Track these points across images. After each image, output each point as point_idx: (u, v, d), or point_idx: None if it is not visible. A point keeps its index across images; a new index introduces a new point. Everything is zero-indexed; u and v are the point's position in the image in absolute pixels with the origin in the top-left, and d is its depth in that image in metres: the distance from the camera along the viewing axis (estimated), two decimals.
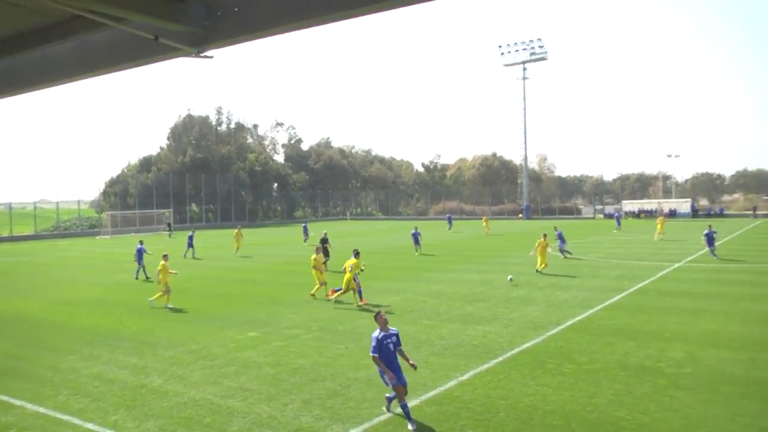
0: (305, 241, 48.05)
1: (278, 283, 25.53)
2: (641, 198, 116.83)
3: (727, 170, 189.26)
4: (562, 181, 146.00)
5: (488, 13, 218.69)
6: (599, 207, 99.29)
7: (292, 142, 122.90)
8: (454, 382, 11.45)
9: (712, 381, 11.11)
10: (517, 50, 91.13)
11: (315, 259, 21.69)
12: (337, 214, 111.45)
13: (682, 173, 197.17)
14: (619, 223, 56.36)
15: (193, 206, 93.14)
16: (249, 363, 13.19)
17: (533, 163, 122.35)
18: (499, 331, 15.62)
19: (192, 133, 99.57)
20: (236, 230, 40.80)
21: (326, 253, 29.31)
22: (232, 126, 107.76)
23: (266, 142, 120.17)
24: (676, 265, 28.05)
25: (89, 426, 9.78)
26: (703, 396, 10.33)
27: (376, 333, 9.68)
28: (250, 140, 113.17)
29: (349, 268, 19.95)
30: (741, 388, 10.67)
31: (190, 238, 39.71)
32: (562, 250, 32.75)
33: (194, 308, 20.21)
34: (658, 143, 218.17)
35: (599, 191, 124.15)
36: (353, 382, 11.61)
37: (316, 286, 21.19)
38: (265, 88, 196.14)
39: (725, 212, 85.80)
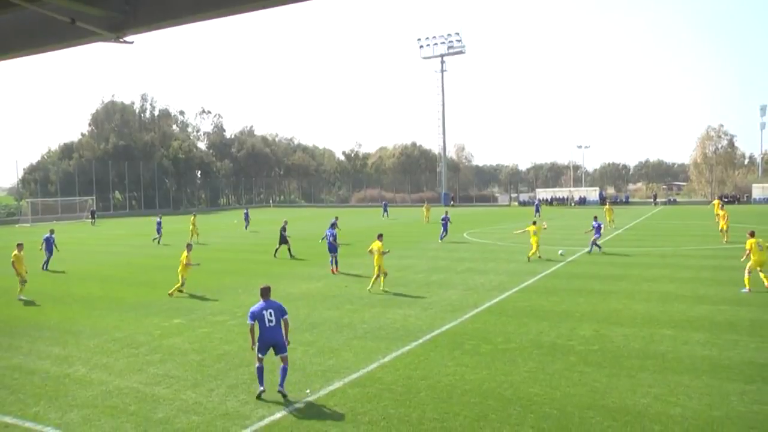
0: (246, 228, 47.82)
1: (203, 270, 25.05)
2: (554, 186, 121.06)
3: (632, 161, 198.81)
4: (479, 170, 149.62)
5: (409, 5, 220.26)
6: (514, 195, 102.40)
7: (216, 129, 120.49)
8: (375, 364, 11.65)
9: (617, 356, 11.79)
10: (435, 44, 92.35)
11: (187, 256, 20.12)
12: (260, 201, 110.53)
13: (591, 163, 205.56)
14: (538, 210, 58.28)
15: (117, 194, 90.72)
16: (174, 350, 12.99)
17: (451, 153, 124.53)
18: (419, 314, 15.95)
19: (114, 119, 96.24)
20: (192, 217, 40.72)
21: (284, 241, 29.49)
22: (156, 113, 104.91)
23: (190, 130, 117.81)
24: (586, 249, 29.31)
25: (7, 419, 9.39)
26: (609, 370, 10.96)
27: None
28: (174, 128, 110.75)
29: (376, 251, 19.48)
30: (641, 362, 11.39)
31: (159, 224, 39.23)
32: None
33: (118, 296, 19.67)
34: (569, 135, 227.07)
35: (514, 180, 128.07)
36: (278, 366, 11.56)
37: (178, 284, 19.87)
38: (190, 75, 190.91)
39: (630, 200, 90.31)
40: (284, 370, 10.08)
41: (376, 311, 16.46)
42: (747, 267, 18.43)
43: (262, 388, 9.99)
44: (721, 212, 34.89)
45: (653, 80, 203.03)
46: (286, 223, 31.44)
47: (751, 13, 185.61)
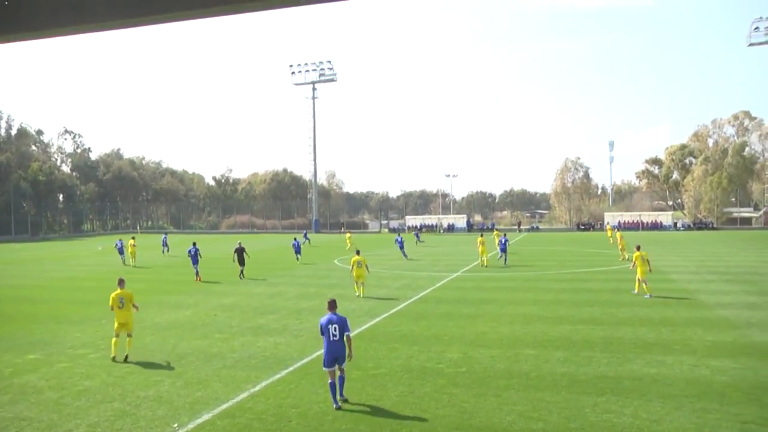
0: (164, 252, 46.49)
1: (64, 300, 23.55)
2: (423, 213, 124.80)
3: (497, 189, 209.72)
4: (350, 197, 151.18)
5: (281, 31, 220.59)
6: (384, 222, 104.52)
7: (80, 151, 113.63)
8: (246, 393, 11.45)
9: (484, 377, 12.38)
10: (307, 70, 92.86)
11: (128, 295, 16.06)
12: (127, 227, 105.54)
13: (459, 191, 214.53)
14: (418, 237, 60.13)
15: None
16: (27, 388, 12.08)
17: (322, 179, 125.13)
18: (289, 341, 15.89)
19: None
20: (131, 240, 40.51)
21: (242, 262, 30.91)
22: (13, 132, 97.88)
23: (52, 150, 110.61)
24: (454, 275, 30.51)
25: None
26: (476, 390, 11.48)
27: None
28: (33, 148, 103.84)
29: (357, 265, 23.48)
30: (506, 381, 12.04)
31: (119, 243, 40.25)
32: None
33: None
34: (438, 163, 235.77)
35: (384, 207, 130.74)
36: (143, 400, 11.14)
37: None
38: (51, 92, 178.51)
39: (496, 227, 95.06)
40: (342, 379, 10.96)
41: (245, 339, 16.21)
42: (636, 277, 22.63)
43: (336, 406, 10.63)
44: (617, 234, 40.48)
45: (518, 112, 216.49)
46: (241, 243, 32.20)
47: (603, 54, 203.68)
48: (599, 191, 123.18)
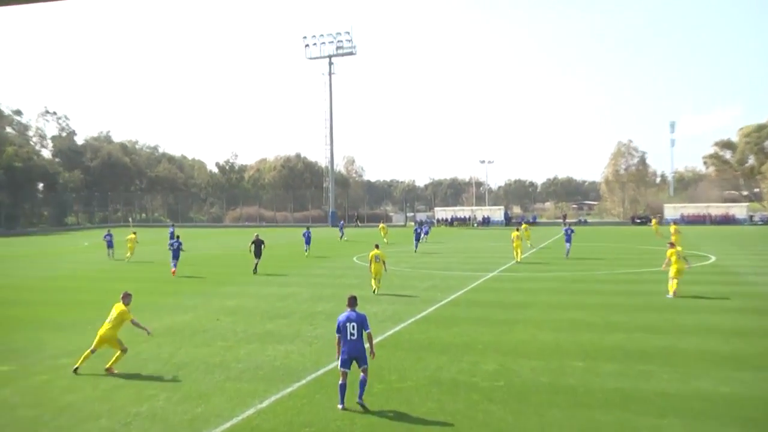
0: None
1: (43, 302, 23.78)
2: (454, 205, 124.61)
3: (539, 178, 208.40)
4: (370, 186, 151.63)
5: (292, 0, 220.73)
6: (410, 214, 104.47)
7: (64, 134, 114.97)
8: (252, 410, 11.45)
9: (523, 392, 12.24)
10: (323, 43, 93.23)
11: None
12: (117, 219, 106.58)
13: (495, 180, 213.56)
14: (426, 233, 60.07)
15: None
16: None
17: (340, 166, 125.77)
18: (302, 350, 15.87)
19: None
20: (132, 234, 42.00)
21: (258, 254, 33.04)
22: None
23: (31, 134, 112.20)
24: (490, 274, 30.34)
25: None
26: (515, 408, 11.35)
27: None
28: (9, 130, 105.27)
29: (375, 259, 24.83)
30: (550, 397, 11.89)
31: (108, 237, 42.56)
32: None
33: None
34: (471, 149, 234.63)
35: (410, 197, 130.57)
36: (134, 417, 11.16)
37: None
38: (31, 66, 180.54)
39: (538, 220, 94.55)
40: (364, 381, 11.35)
41: (252, 348, 16.22)
42: (669, 275, 23.41)
43: (341, 407, 11.25)
44: (671, 228, 43.87)
45: (561, 92, 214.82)
46: (258, 236, 33.87)
47: (660, 28, 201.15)
48: (658, 179, 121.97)
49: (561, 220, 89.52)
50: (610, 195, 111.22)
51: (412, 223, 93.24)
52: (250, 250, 33.20)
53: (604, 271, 31.65)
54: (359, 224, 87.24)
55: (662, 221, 79.35)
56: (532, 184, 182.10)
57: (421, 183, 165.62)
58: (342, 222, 70.28)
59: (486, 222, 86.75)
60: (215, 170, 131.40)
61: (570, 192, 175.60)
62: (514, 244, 36.79)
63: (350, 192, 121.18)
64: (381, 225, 60.31)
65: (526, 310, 21.03)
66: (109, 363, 14.09)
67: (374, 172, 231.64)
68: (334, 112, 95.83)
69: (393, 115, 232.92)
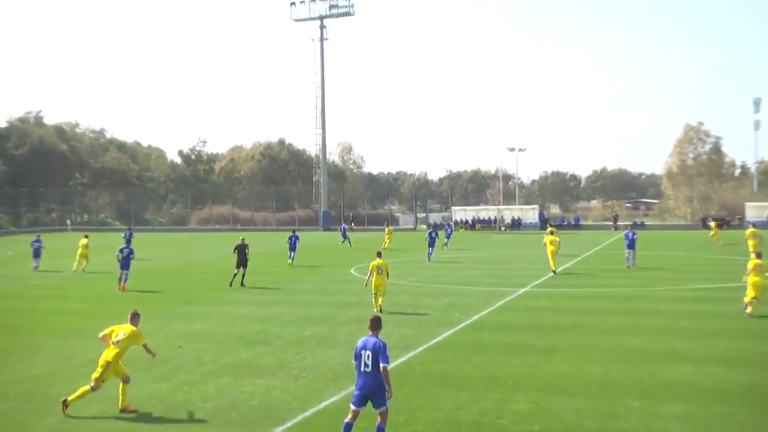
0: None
1: None
2: (477, 203, 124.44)
3: (583, 170, 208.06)
4: (372, 180, 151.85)
5: None
6: (422, 215, 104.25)
7: None
8: None
9: None
10: (313, 0, 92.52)
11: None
12: (52, 222, 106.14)
13: (528, 172, 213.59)
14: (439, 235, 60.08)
15: None
16: None
17: (334, 155, 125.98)
18: (286, 385, 15.82)
19: None
20: (83, 239, 41.81)
21: (243, 263, 33.05)
22: None
23: None
24: (521, 290, 30.24)
25: None
26: None
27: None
28: None
29: (377, 270, 25.29)
30: None
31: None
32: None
33: None
34: (498, 134, 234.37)
35: (422, 194, 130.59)
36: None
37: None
38: None
39: (581, 222, 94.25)
40: (381, 430, 11.34)
41: (223, 382, 16.16)
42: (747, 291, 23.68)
43: None
44: (748, 232, 42.38)
45: (610, 62, 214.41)
46: (243, 239, 34.14)
47: None
48: (737, 171, 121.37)
49: (611, 223, 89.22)
50: (674, 191, 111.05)
51: (424, 226, 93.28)
52: (234, 252, 33.28)
53: (667, 287, 31.59)
54: (353, 227, 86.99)
55: (743, 224, 79.01)
56: (574, 177, 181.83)
57: (434, 176, 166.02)
58: (344, 225, 70.11)
59: (516, 224, 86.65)
60: (177, 160, 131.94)
61: (622, 187, 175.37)
62: (548, 250, 36.84)
63: (347, 187, 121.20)
64: (387, 228, 60.26)
65: (567, 334, 20.95)
66: (121, 401, 13.95)
67: (377, 162, 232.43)
68: (326, 87, 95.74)
69: (400, 92, 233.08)
